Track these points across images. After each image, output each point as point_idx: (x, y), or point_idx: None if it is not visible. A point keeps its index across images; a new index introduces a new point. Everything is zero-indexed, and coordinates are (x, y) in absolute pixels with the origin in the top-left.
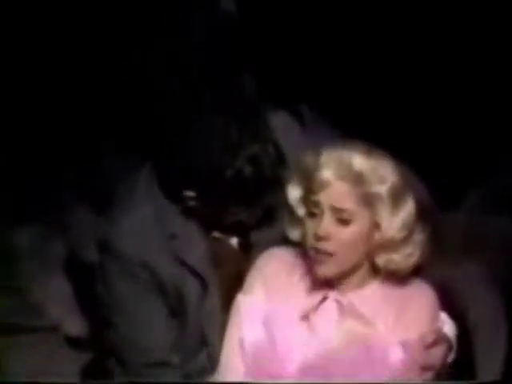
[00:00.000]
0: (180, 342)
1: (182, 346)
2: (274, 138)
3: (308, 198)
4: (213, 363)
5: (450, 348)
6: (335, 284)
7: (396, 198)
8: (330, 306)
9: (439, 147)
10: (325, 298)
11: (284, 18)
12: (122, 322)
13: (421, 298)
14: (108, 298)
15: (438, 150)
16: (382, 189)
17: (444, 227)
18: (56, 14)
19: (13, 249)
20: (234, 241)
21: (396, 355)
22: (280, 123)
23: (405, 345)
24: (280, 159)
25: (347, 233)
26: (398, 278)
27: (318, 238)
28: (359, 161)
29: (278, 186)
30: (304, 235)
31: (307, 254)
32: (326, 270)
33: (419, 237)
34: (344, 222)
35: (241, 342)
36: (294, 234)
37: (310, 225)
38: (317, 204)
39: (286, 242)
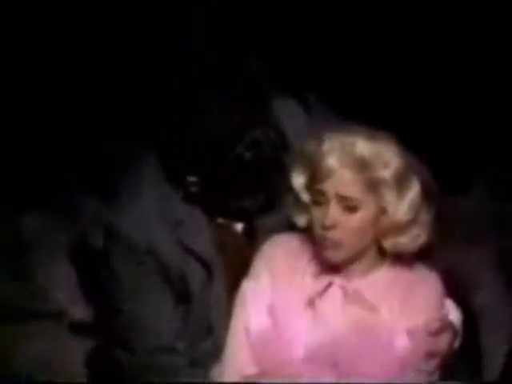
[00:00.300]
0: (185, 328)
1: (187, 332)
2: (277, 125)
3: (313, 187)
4: (218, 349)
5: (455, 334)
6: (341, 270)
7: (401, 182)
8: (336, 292)
9: (448, 134)
10: (330, 284)
11: (294, 6)
12: (129, 307)
13: (426, 284)
14: (114, 284)
15: (447, 137)
16: (387, 173)
17: (451, 212)
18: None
19: (19, 236)
20: (239, 226)
21: (401, 341)
22: (286, 111)
23: (410, 331)
24: (283, 145)
25: (354, 220)
26: (404, 261)
27: (326, 228)
28: (362, 147)
29: (281, 171)
30: (311, 222)
31: (312, 239)
32: (335, 255)
33: (426, 217)
34: (351, 209)
35: (246, 328)
36: (301, 220)
37: (317, 213)
38: (322, 193)
39: (290, 227)
